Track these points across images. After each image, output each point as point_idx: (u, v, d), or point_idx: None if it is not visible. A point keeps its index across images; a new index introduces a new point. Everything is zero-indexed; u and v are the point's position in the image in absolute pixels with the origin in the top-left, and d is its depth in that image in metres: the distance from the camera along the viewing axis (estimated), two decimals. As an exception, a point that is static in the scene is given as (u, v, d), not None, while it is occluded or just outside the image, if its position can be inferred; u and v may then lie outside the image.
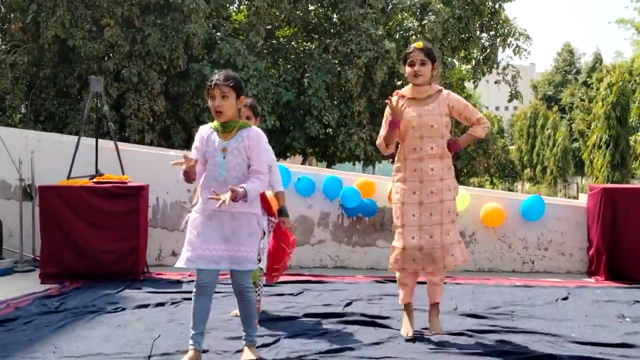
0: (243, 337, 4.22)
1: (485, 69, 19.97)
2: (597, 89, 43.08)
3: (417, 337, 4.77)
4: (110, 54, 16.85)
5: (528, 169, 47.00)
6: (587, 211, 7.99)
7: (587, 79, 47.89)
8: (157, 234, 8.19)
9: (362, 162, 18.77)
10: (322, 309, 5.69)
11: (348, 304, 5.92)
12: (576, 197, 40.81)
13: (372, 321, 5.26)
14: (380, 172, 27.22)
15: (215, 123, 4.11)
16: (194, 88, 17.13)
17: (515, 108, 55.48)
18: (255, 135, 4.05)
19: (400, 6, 18.20)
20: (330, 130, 17.42)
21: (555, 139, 44.42)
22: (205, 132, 4.12)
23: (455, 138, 4.81)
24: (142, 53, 16.65)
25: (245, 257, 4.00)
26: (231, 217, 3.98)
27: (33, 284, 6.86)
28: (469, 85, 21.80)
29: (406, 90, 4.87)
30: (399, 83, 20.32)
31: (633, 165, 31.64)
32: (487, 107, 36.10)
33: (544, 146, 45.51)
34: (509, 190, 40.98)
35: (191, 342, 4.06)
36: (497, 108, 41.84)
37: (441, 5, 17.65)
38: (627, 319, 5.54)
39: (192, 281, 6.92)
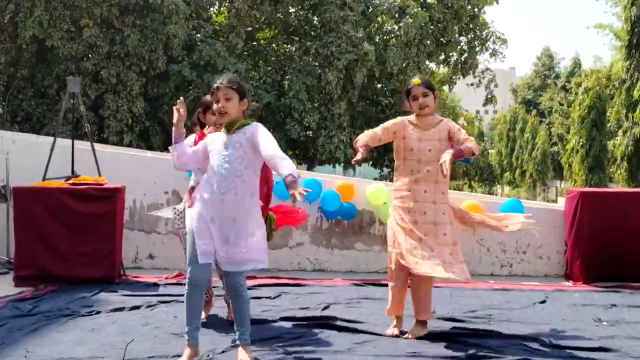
0: (237, 337, 4.20)
1: (463, 72, 20.07)
2: (576, 94, 43.53)
3: (394, 341, 4.77)
4: (89, 55, 16.74)
5: (507, 173, 47.26)
6: (565, 214, 8.02)
7: (566, 84, 48.38)
8: (134, 236, 8.10)
9: (342, 164, 18.75)
10: (299, 313, 5.64)
11: (325, 308, 5.89)
12: (555, 201, 41.11)
13: (348, 326, 5.23)
14: (360, 175, 27.22)
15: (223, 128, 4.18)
16: (174, 89, 17.05)
17: (495, 112, 55.83)
18: (257, 125, 4.09)
19: (379, 9, 18.20)
20: (311, 132, 17.40)
21: (534, 142, 44.70)
22: (212, 134, 4.28)
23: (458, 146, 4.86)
24: (121, 54, 16.53)
25: (242, 258, 4.02)
26: (233, 220, 3.99)
27: (6, 286, 6.72)
28: (446, 88, 21.84)
29: (412, 117, 5.06)
30: (379, 86, 20.40)
31: (611, 169, 31.90)
32: (467, 111, 36.16)
33: (523, 150, 45.78)
34: (489, 194, 41.19)
35: (187, 337, 4.06)
36: (477, 112, 41.98)
37: (419, 9, 17.68)
38: (604, 323, 5.56)
39: (169, 284, 6.97)
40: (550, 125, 48.03)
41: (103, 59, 16.53)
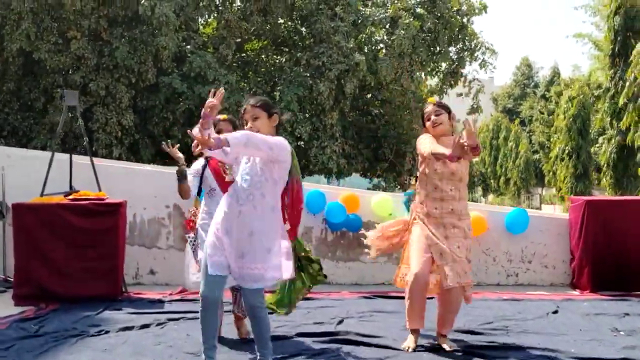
0: (258, 358, 4.08)
1: (452, 82, 20.12)
2: (556, 102, 43.86)
3: (415, 356, 4.69)
4: (77, 67, 16.50)
5: (492, 181, 47.44)
6: (570, 223, 7.99)
7: (546, 93, 48.83)
8: (135, 252, 7.93)
9: (334, 175, 18.67)
10: (314, 328, 5.55)
11: (340, 322, 5.80)
12: (539, 208, 41.31)
13: (368, 341, 5.15)
14: (345, 184, 27.08)
15: None
16: (164, 101, 16.87)
17: (475, 121, 56.09)
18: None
19: (370, 19, 18.19)
20: (303, 143, 17.29)
21: (517, 151, 44.94)
22: None
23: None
24: (109, 66, 16.34)
25: (257, 275, 3.87)
26: (249, 234, 3.87)
27: (6, 306, 6.53)
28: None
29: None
30: (368, 96, 20.37)
31: (595, 176, 32.12)
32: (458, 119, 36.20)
33: (507, 158, 45.99)
34: (473, 201, 41.31)
35: (203, 357, 3.97)
36: (458, 120, 41.90)
37: (411, 19, 17.69)
38: (622, 333, 5.52)
39: (174, 300, 6.83)
40: (531, 134, 48.37)
41: (91, 71, 16.32)
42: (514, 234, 8.05)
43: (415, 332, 4.96)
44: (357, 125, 19.33)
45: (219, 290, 3.94)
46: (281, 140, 3.93)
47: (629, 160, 23.01)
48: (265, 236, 3.91)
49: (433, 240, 4.81)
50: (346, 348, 4.93)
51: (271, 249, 3.92)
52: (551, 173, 34.97)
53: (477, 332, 5.47)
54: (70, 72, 16.58)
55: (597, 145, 32.48)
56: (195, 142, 3.72)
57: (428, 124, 4.96)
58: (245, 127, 4.07)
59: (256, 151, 3.81)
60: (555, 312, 6.37)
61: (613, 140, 23.82)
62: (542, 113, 46.94)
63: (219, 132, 5.08)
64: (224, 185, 4.97)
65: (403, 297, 7.01)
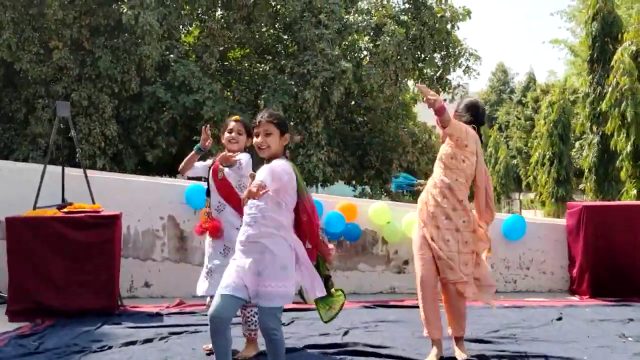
0: None
1: (439, 88, 20.17)
2: (533, 108, 44.25)
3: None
4: (59, 77, 16.29)
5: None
6: (568, 229, 7.98)
7: (522, 98, 49.26)
8: (129, 265, 7.78)
9: (319, 183, 18.59)
10: (321, 340, 5.47)
11: (345, 333, 5.72)
12: (520, 213, 41.50)
13: (376, 351, 5.08)
14: (329, 192, 27.04)
15: None
16: (148, 111, 16.73)
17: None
18: (276, 162, 3.89)
19: (355, 27, 18.19)
20: (288, 151, 17.18)
21: (497, 156, 45.22)
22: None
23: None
24: (92, 76, 16.17)
25: (274, 293, 3.76)
26: (261, 253, 3.79)
27: (0, 322, 6.39)
28: (423, 106, 21.90)
29: None
30: (352, 103, 20.34)
31: (575, 181, 32.38)
32: (434, 126, 36.34)
33: (486, 164, 46.19)
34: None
35: None
36: (434, 127, 42.22)
37: (396, 26, 17.71)
38: (630, 339, 5.50)
39: (172, 314, 6.70)
40: (508, 139, 48.74)
41: (74, 82, 16.14)
42: (511, 240, 8.02)
43: (436, 342, 4.85)
44: (342, 133, 19.30)
45: (226, 308, 3.78)
46: (283, 167, 3.83)
47: (610, 165, 23.20)
48: (278, 255, 3.81)
49: (426, 238, 4.77)
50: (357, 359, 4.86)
51: (287, 266, 3.82)
52: (532, 178, 35.19)
53: (486, 340, 5.42)
54: (52, 83, 16.37)
55: (574, 150, 32.72)
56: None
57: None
58: (255, 140, 3.99)
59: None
60: (560, 318, 6.34)
61: (594, 145, 24.00)
62: (519, 118, 47.34)
63: (230, 132, 5.04)
64: (217, 184, 5.02)
65: (404, 307, 7.05)
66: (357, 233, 7.81)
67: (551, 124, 31.69)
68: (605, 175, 24.10)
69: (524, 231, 7.96)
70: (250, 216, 3.87)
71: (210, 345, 5.08)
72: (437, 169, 4.91)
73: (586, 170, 24.58)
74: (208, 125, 5.37)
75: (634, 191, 17.82)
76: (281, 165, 3.84)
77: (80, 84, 16.26)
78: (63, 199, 7.32)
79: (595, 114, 23.22)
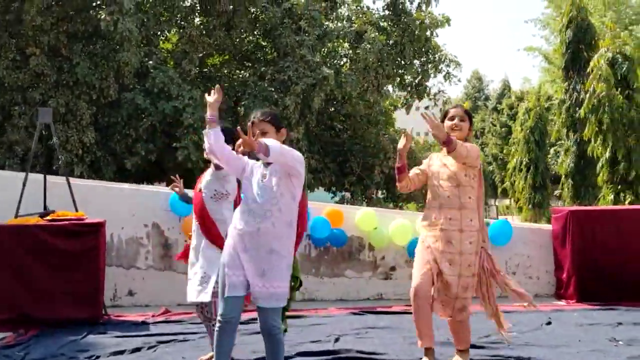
0: None
1: (417, 95, 20.23)
2: (509, 115, 44.61)
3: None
4: (36, 84, 16.05)
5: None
6: (554, 234, 8.01)
7: (497, 105, 49.68)
8: (112, 273, 7.65)
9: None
10: (313, 347, 5.42)
11: (337, 340, 5.68)
12: (496, 219, 41.77)
13: (370, 358, 5.04)
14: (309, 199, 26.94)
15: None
16: (126, 118, 16.50)
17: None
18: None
19: (335, 33, 18.18)
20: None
21: (475, 163, 45.53)
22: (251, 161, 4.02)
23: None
24: (70, 82, 15.93)
25: (281, 293, 3.78)
26: (269, 252, 3.74)
27: (-18, 332, 6.25)
28: (401, 112, 21.91)
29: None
30: (332, 110, 20.32)
31: (552, 187, 32.67)
32: (418, 134, 36.48)
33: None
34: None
35: None
36: (418, 134, 42.48)
37: (376, 33, 17.73)
38: (620, 342, 5.51)
39: (158, 322, 6.59)
40: (484, 146, 49.11)
41: (51, 88, 15.88)
42: (497, 245, 8.02)
43: (428, 351, 4.76)
44: (322, 140, 19.26)
45: (237, 309, 3.80)
46: (299, 154, 3.82)
47: (587, 171, 23.41)
48: (284, 254, 3.80)
49: (431, 257, 4.68)
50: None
51: (289, 265, 3.85)
52: (509, 184, 35.43)
53: (478, 346, 5.40)
54: (29, 89, 16.10)
55: (549, 156, 32.99)
56: (240, 141, 3.67)
57: (448, 123, 4.82)
58: None
59: (285, 161, 3.73)
60: (549, 323, 6.36)
61: (570, 152, 24.22)
62: (495, 125, 47.73)
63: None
64: (195, 198, 4.93)
65: (392, 313, 7.02)
66: (343, 238, 7.77)
67: (528, 130, 31.97)
68: (582, 181, 24.31)
69: (510, 236, 7.98)
70: (262, 209, 3.78)
71: (204, 357, 5.02)
72: (443, 186, 4.75)
73: (563, 176, 24.78)
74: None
75: (611, 196, 17.91)
76: (297, 152, 3.85)
77: (58, 90, 16.01)
78: (45, 207, 7.20)
79: (572, 121, 23.45)
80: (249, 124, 3.91)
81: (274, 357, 3.86)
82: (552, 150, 36.09)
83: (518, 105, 42.71)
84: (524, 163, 32.19)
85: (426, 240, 4.73)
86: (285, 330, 4.42)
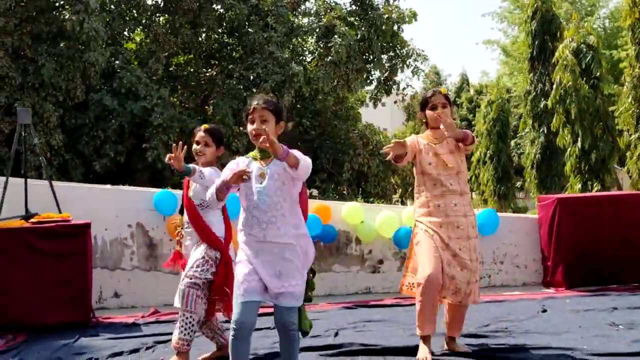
0: None
1: (385, 90, 20.28)
2: (469, 109, 45.11)
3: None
4: (1, 87, 15.65)
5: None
6: (539, 222, 8.07)
7: (456, 99, 50.21)
8: (97, 275, 7.43)
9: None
10: (314, 342, 5.31)
11: (336, 334, 5.60)
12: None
13: (375, 349, 4.99)
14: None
15: (253, 152, 3.82)
16: (94, 119, 16.23)
17: (385, 129, 57.17)
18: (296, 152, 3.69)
19: (303, 29, 18.12)
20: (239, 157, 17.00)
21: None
22: (242, 161, 3.81)
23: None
24: (35, 84, 15.58)
25: (299, 293, 3.70)
26: (281, 256, 3.64)
27: (-33, 341, 6.04)
28: (367, 107, 21.95)
29: (422, 133, 4.99)
30: (298, 106, 20.26)
31: (516, 178, 33.11)
32: (384, 128, 36.56)
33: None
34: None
35: None
36: (385, 129, 42.66)
37: (346, 28, 17.72)
38: (621, 326, 5.55)
39: (150, 323, 6.46)
40: (445, 139, 49.64)
41: (16, 91, 15.50)
42: (484, 235, 8.04)
43: (426, 339, 4.73)
44: (292, 137, 19.18)
45: (252, 314, 3.67)
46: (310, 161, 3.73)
47: (553, 161, 23.76)
48: (297, 254, 3.70)
49: (439, 244, 4.65)
50: (362, 359, 4.78)
51: (305, 264, 3.76)
52: (473, 177, 35.76)
53: (479, 335, 5.39)
54: (-7, 92, 15.72)
55: (510, 148, 33.42)
56: (239, 171, 3.57)
57: (430, 112, 4.81)
58: (250, 127, 3.76)
59: (306, 176, 3.67)
60: (544, 311, 6.38)
61: (537, 142, 24.52)
62: (455, 119, 48.17)
63: (197, 143, 4.81)
64: (185, 202, 4.81)
65: (385, 306, 6.99)
66: (333, 234, 7.72)
67: (491, 123, 32.33)
68: (548, 171, 24.67)
69: (497, 225, 8.01)
70: (266, 215, 3.65)
71: (204, 356, 4.94)
72: (445, 174, 4.74)
73: (528, 167, 25.09)
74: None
75: (579, 185, 18.19)
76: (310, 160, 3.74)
77: (23, 93, 15.64)
78: (27, 210, 7.01)
79: (538, 112, 23.75)
80: (249, 109, 3.77)
81: (289, 353, 3.79)
82: (512, 143, 36.49)
83: (478, 98, 43.28)
84: (488, 155, 32.58)
85: (429, 229, 4.69)
86: (311, 326, 4.26)
